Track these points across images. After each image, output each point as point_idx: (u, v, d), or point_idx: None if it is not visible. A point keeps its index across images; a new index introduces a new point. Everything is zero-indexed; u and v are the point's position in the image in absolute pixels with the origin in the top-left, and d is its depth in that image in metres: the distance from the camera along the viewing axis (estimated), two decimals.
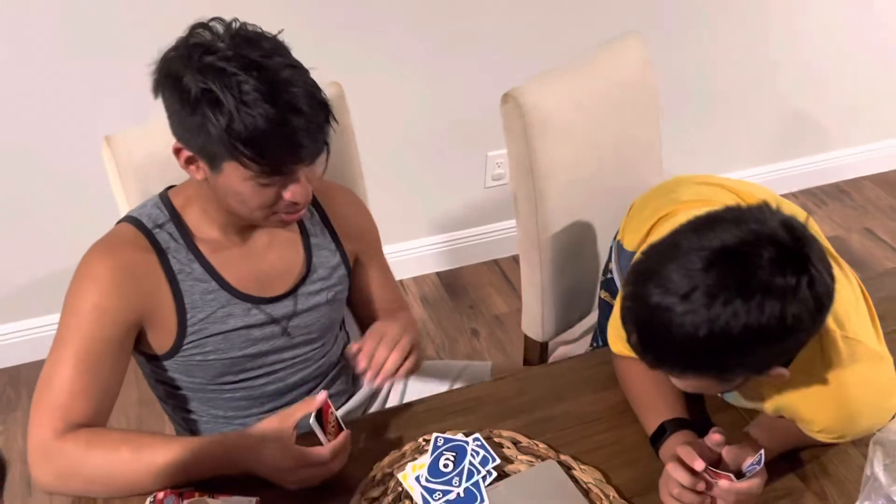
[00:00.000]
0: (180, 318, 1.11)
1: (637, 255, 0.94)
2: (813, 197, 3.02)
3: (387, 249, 1.38)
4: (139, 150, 1.23)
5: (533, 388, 1.23)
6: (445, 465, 1.07)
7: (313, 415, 1.00)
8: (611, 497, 1.05)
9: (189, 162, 1.02)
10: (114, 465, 1.00)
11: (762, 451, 0.97)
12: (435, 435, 1.11)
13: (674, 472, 0.97)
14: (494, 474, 1.06)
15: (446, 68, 2.20)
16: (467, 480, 1.05)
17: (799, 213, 0.94)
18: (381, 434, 1.14)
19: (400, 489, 1.06)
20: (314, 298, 1.21)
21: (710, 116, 2.66)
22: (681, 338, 0.84)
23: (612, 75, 1.53)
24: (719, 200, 1.08)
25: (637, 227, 1.21)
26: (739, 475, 0.97)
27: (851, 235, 2.83)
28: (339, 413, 1.14)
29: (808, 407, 1.02)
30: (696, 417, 1.13)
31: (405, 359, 1.10)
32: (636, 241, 1.19)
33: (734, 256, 0.82)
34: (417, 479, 1.05)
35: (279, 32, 1.00)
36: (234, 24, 0.98)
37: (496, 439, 1.12)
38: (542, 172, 1.42)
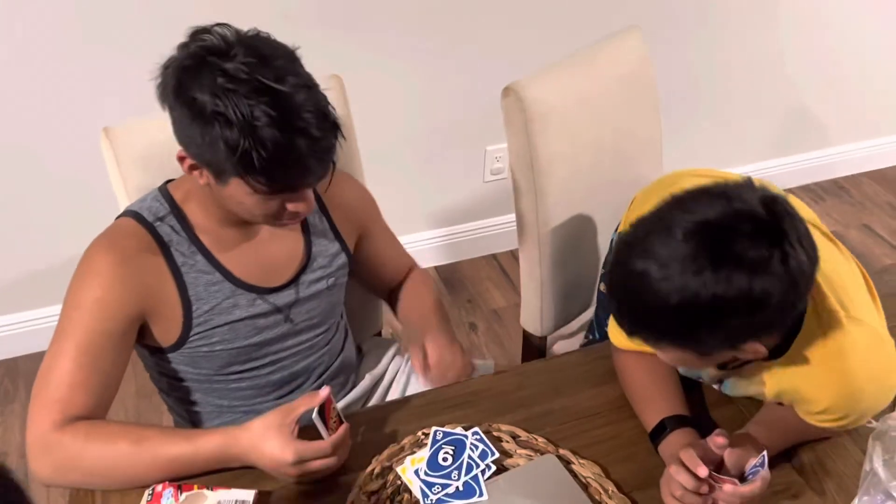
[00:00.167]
0: (186, 310, 1.11)
1: (626, 228, 0.95)
2: (811, 193, 3.02)
3: None
4: (138, 143, 1.23)
5: (532, 382, 1.23)
6: (444, 459, 1.07)
7: (315, 410, 1.00)
8: (609, 491, 1.05)
9: (193, 169, 1.02)
10: (113, 457, 1.00)
11: (765, 453, 0.96)
12: (434, 429, 1.11)
13: (677, 475, 0.97)
14: (493, 468, 1.06)
15: (446, 63, 2.19)
16: (466, 474, 1.05)
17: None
18: (381, 427, 1.14)
19: (399, 483, 1.06)
20: (315, 286, 1.22)
21: (709, 112, 2.66)
22: (654, 304, 0.86)
23: (612, 70, 1.53)
24: None
25: None
26: (741, 477, 0.97)
27: (850, 232, 2.84)
28: (340, 405, 1.15)
29: (811, 386, 1.02)
30: (695, 413, 1.13)
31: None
32: None
33: (712, 229, 0.84)
34: (416, 472, 1.05)
35: (295, 49, 0.98)
36: (247, 33, 0.96)
37: (495, 433, 1.12)
38: (543, 166, 1.42)
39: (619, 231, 1.29)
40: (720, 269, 0.82)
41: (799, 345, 0.99)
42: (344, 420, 1.05)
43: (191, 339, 1.13)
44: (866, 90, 2.89)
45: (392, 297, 1.42)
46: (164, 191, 1.13)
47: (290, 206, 1.04)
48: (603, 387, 1.21)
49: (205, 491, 1.00)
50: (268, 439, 0.99)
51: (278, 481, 1.03)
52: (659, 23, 2.36)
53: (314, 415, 1.00)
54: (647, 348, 1.16)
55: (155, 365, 1.19)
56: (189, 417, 1.25)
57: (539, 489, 1.04)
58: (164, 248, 1.09)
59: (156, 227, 1.10)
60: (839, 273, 1.02)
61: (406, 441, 1.11)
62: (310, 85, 0.96)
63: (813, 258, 0.87)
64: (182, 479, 1.02)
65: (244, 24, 0.99)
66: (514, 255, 2.63)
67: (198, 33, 0.96)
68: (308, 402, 1.01)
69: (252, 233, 1.16)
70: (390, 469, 1.07)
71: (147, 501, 0.99)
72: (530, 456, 1.09)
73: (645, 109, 1.61)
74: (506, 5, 2.16)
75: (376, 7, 2.03)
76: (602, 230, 1.59)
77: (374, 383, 1.40)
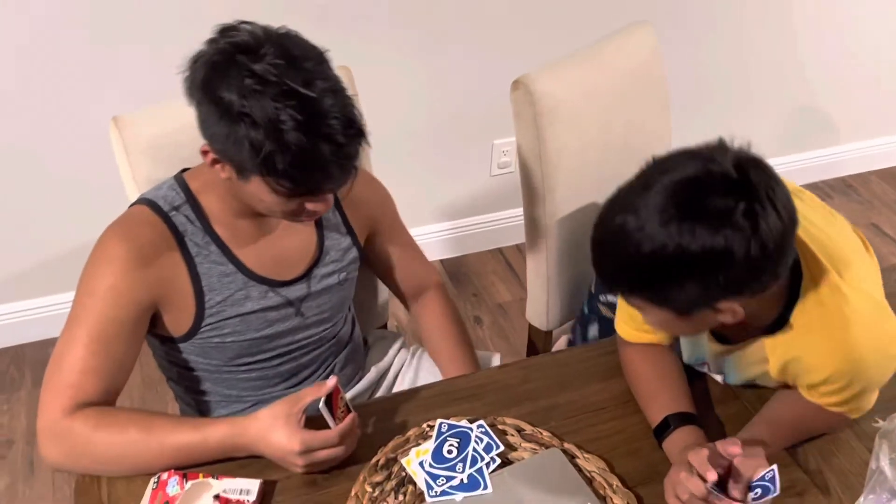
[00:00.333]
0: (198, 301, 1.11)
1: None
2: (819, 191, 3.01)
3: None
4: (147, 132, 1.23)
5: (538, 376, 1.23)
6: (449, 452, 1.07)
7: (323, 400, 1.00)
8: (614, 486, 1.05)
9: (216, 163, 1.02)
10: (122, 444, 1.01)
11: (775, 469, 0.96)
12: (439, 421, 1.11)
13: (688, 481, 0.96)
14: (498, 461, 1.06)
15: (454, 55, 2.19)
16: (471, 467, 1.05)
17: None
18: (386, 419, 1.14)
19: (403, 474, 1.06)
20: (327, 280, 1.22)
21: (718, 108, 2.65)
22: (627, 253, 0.89)
23: (622, 64, 1.52)
24: None
25: None
26: (747, 485, 0.96)
27: (857, 230, 2.82)
28: (347, 396, 1.15)
29: (814, 354, 1.02)
30: (700, 410, 1.12)
31: None
32: None
33: (684, 184, 0.87)
34: (421, 464, 1.06)
35: (325, 51, 0.98)
36: (277, 31, 0.96)
37: (500, 426, 1.12)
38: (551, 160, 1.42)
39: None
40: (685, 220, 0.85)
41: (798, 315, 1.00)
42: (352, 410, 1.06)
43: (202, 329, 1.13)
44: (876, 88, 2.88)
45: (408, 308, 1.43)
46: (181, 180, 1.13)
47: (310, 206, 1.04)
48: (609, 381, 1.21)
49: (210, 480, 1.01)
50: (275, 429, 0.99)
51: (283, 471, 1.03)
52: (670, 18, 2.35)
53: (321, 404, 1.00)
54: (653, 339, 1.17)
55: (165, 354, 1.20)
56: (197, 406, 1.25)
57: (544, 483, 1.04)
58: (178, 237, 1.09)
59: (171, 216, 1.10)
60: (835, 241, 1.04)
61: (411, 433, 1.11)
62: (337, 89, 0.96)
63: (787, 221, 0.87)
64: (189, 467, 1.02)
65: (252, 16, 0.99)
66: (520, 249, 2.63)
67: (227, 29, 0.95)
68: (315, 392, 1.02)
69: (266, 226, 1.16)
70: (395, 461, 1.07)
71: (152, 489, 0.99)
72: (535, 449, 1.09)
73: (654, 104, 1.60)
74: None
75: None
76: None
77: (380, 376, 1.40)
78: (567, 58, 1.48)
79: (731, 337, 1.10)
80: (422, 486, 1.03)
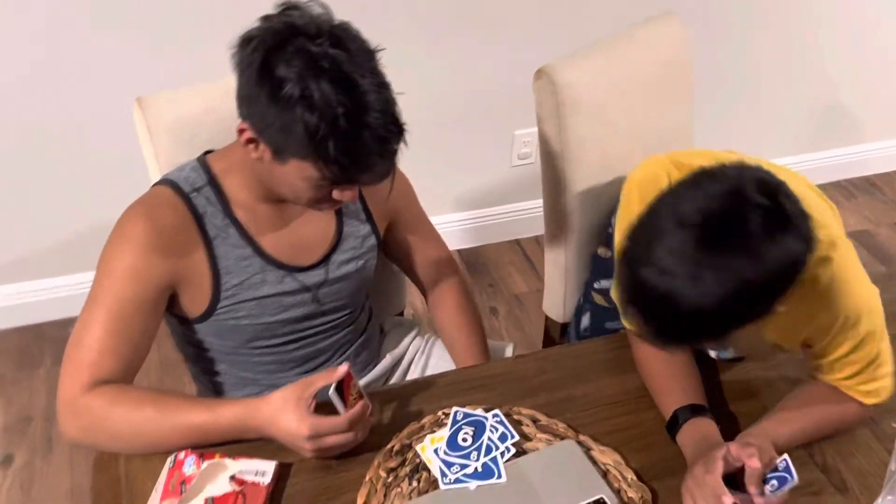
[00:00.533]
0: (214, 283, 1.12)
1: (621, 241, 0.94)
2: (842, 190, 2.97)
3: None
4: (170, 113, 1.23)
5: (554, 367, 1.23)
6: (464, 440, 1.07)
7: (333, 386, 1.00)
8: (629, 479, 1.05)
9: (250, 142, 1.02)
10: (137, 422, 1.02)
11: (787, 458, 0.96)
12: (455, 409, 1.11)
13: (725, 496, 0.95)
14: (513, 451, 1.06)
15: (476, 45, 2.18)
16: (485, 455, 1.05)
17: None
18: (401, 406, 1.15)
19: (418, 461, 1.06)
20: (345, 267, 1.22)
21: (743, 102, 2.62)
22: (684, 315, 0.86)
23: (647, 56, 1.51)
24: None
25: None
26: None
27: (880, 230, 2.79)
28: (361, 382, 1.15)
29: (827, 306, 1.02)
30: (715, 407, 1.11)
31: None
32: None
33: (717, 224, 0.84)
34: (436, 451, 1.06)
35: (377, 49, 0.99)
36: (334, 21, 0.97)
37: (515, 416, 1.12)
38: (573, 151, 1.41)
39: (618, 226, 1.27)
40: (731, 258, 0.83)
41: (804, 288, 0.98)
42: (365, 397, 1.06)
43: (218, 311, 1.13)
44: None
45: (426, 298, 1.43)
46: (204, 162, 1.14)
47: (336, 195, 1.04)
48: (625, 375, 1.21)
49: (226, 460, 1.01)
50: (285, 412, 1.00)
51: (299, 454, 1.04)
52: (696, 10, 2.32)
53: (331, 390, 1.00)
54: None
55: (182, 334, 1.21)
56: (213, 387, 1.26)
57: (558, 474, 1.04)
58: (197, 219, 1.10)
59: (191, 197, 1.10)
60: (830, 223, 1.05)
61: (426, 420, 1.11)
62: (384, 85, 0.97)
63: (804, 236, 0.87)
64: (202, 447, 1.03)
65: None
66: (537, 241, 2.62)
67: (287, 8, 0.96)
68: (327, 378, 1.02)
69: (286, 211, 1.16)
70: (410, 447, 1.08)
71: (169, 468, 1.00)
72: (550, 440, 1.09)
73: (678, 98, 1.58)
74: None
75: None
76: None
77: (395, 363, 1.41)
78: (591, 48, 1.47)
79: None
80: (436, 473, 1.04)
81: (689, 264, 0.83)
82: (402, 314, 1.62)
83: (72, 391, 1.02)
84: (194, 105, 1.23)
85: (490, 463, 1.04)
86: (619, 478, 1.05)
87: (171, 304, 1.12)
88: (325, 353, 1.27)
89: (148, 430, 1.02)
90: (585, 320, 1.51)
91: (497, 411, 1.11)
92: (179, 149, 1.21)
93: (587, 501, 1.00)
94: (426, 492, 1.02)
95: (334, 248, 1.21)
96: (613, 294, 1.23)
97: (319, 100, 0.92)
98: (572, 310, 1.60)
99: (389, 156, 1.00)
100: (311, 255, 1.19)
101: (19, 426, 1.98)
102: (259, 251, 1.14)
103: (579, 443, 1.09)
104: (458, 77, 2.22)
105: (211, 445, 1.03)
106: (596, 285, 1.48)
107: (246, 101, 0.99)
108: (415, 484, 1.03)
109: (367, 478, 1.03)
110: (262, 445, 1.04)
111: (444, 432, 1.08)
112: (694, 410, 1.08)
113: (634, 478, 1.05)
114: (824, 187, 2.98)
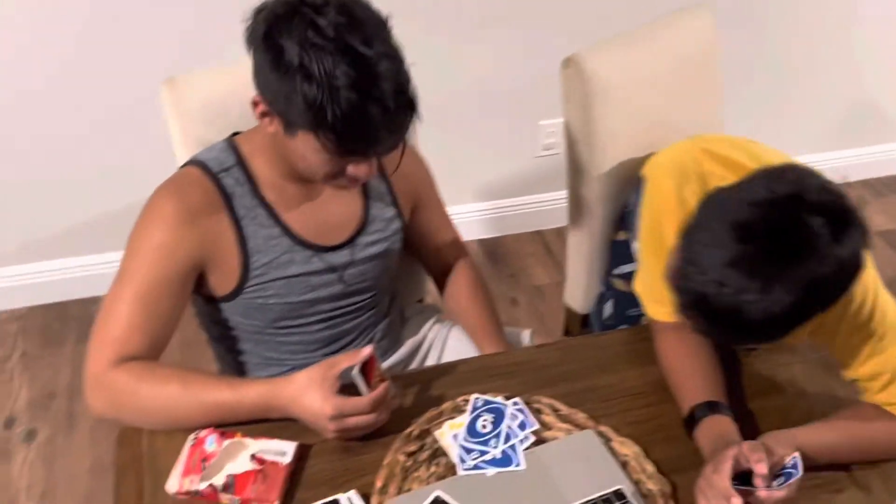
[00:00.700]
0: (243, 262, 1.12)
1: (675, 248, 0.94)
2: (871, 188, 2.93)
3: None
4: (199, 94, 1.24)
5: (575, 357, 1.22)
6: (483, 427, 1.07)
7: (357, 367, 1.00)
8: (648, 471, 1.04)
9: (264, 115, 1.03)
10: (163, 398, 1.03)
11: (797, 455, 0.96)
12: (474, 396, 1.11)
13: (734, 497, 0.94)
14: (532, 439, 1.06)
15: (503, 34, 2.17)
16: (504, 443, 1.05)
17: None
18: (421, 391, 1.15)
19: (436, 446, 1.06)
20: (370, 249, 1.22)
21: (772, 97, 2.59)
22: (761, 323, 0.87)
23: (678, 47, 1.49)
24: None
25: None
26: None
27: None
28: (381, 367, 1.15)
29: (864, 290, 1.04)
30: (740, 401, 1.10)
31: None
32: None
33: (782, 233, 0.85)
34: (455, 437, 1.06)
35: (388, 18, 0.98)
36: None
37: (535, 405, 1.12)
38: (600, 142, 1.40)
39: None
40: (799, 265, 0.84)
41: None
42: (388, 380, 1.06)
43: (245, 290, 1.14)
44: None
45: (439, 285, 1.43)
46: (232, 143, 1.14)
47: (351, 170, 1.04)
48: (647, 367, 1.20)
49: (247, 440, 1.02)
50: (309, 391, 1.00)
51: (319, 436, 1.04)
52: (727, 2, 2.29)
53: (355, 371, 1.00)
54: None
55: (208, 314, 1.22)
56: (237, 367, 1.27)
57: (577, 463, 1.04)
58: (226, 198, 1.11)
59: (220, 177, 1.11)
60: None
61: (446, 406, 1.11)
62: (393, 55, 0.96)
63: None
64: (226, 425, 1.04)
65: None
66: (559, 232, 2.61)
67: None
68: (351, 359, 1.02)
69: (314, 191, 1.16)
70: (429, 432, 1.08)
71: (191, 445, 1.01)
72: (570, 430, 1.09)
73: (707, 91, 1.56)
74: None
75: None
76: None
77: (414, 349, 1.41)
78: (620, 37, 1.45)
79: None
80: (454, 459, 1.04)
81: (757, 278, 0.85)
82: (422, 300, 1.62)
83: (99, 366, 1.03)
84: (223, 86, 1.24)
85: (509, 450, 1.04)
86: (639, 469, 1.05)
87: (199, 284, 1.13)
88: (349, 334, 1.28)
89: (173, 406, 1.03)
90: (608, 308, 1.50)
91: (517, 399, 1.11)
92: (208, 129, 1.22)
93: (605, 492, 1.00)
94: (444, 477, 1.03)
95: (361, 229, 1.22)
96: (638, 287, 1.22)
97: (318, 69, 0.91)
98: (594, 300, 1.59)
99: (397, 129, 0.98)
100: (337, 236, 1.20)
101: (43, 402, 2.01)
102: (287, 231, 1.15)
103: (599, 433, 1.08)
104: (484, 66, 2.20)
105: (234, 424, 1.04)
106: (616, 271, 1.47)
107: (256, 72, 1.00)
108: (433, 469, 1.04)
109: (386, 461, 1.03)
110: (283, 426, 1.05)
111: (464, 419, 1.08)
112: (711, 407, 1.07)
113: (654, 470, 1.04)
114: (853, 185, 2.96)
